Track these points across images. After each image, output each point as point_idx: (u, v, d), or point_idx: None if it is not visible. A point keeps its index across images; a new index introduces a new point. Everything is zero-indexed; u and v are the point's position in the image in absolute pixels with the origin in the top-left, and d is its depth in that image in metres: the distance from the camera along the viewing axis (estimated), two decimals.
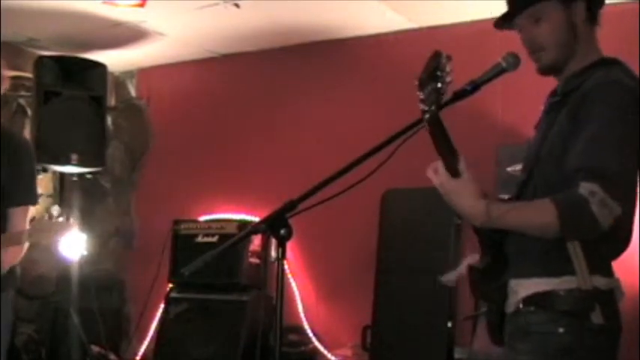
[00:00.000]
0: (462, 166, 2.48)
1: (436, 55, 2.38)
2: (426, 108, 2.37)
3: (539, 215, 2.45)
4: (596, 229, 2.38)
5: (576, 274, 2.48)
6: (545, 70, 2.71)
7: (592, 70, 2.61)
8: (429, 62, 2.40)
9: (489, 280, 2.71)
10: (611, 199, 2.36)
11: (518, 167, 4.69)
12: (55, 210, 3.89)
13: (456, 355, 5.21)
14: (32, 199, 4.04)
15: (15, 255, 3.88)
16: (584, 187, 2.36)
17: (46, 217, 3.86)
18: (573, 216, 2.38)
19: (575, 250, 2.48)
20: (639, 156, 2.51)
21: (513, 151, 5.01)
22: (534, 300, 2.56)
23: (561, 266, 2.50)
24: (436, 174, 2.53)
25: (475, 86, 2.55)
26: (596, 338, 2.49)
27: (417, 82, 2.41)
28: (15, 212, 3.91)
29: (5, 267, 3.87)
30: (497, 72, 2.60)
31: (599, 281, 2.51)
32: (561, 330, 2.49)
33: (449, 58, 2.37)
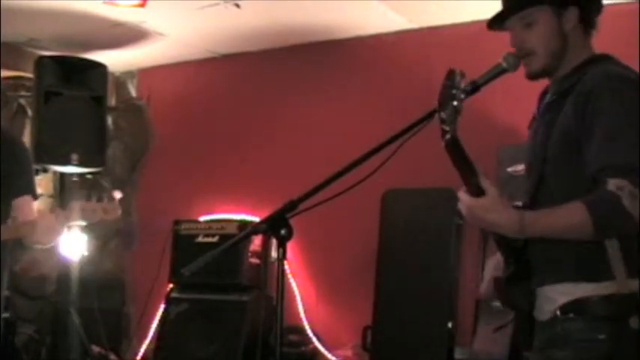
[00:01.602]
0: (484, 182, 2.43)
1: (450, 74, 2.36)
2: (447, 128, 2.35)
3: (571, 218, 2.41)
4: (632, 222, 2.36)
5: (615, 279, 2.47)
6: (533, 76, 2.70)
7: (587, 67, 2.61)
8: (445, 81, 2.37)
9: (516, 288, 2.69)
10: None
11: (519, 167, 4.70)
12: (118, 194, 3.92)
13: (457, 356, 5.21)
14: (32, 190, 4.15)
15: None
16: (612, 184, 2.35)
17: (106, 199, 3.92)
18: (606, 213, 2.36)
19: (614, 253, 2.47)
20: None
21: (514, 151, 5.01)
22: (573, 307, 2.53)
23: (598, 271, 2.49)
24: (461, 202, 2.49)
25: (476, 87, 2.55)
26: (633, 343, 2.48)
27: (437, 104, 2.39)
28: (19, 203, 4.04)
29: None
30: (498, 72, 2.60)
31: (635, 284, 2.49)
32: (602, 337, 2.46)
33: (462, 74, 2.36)
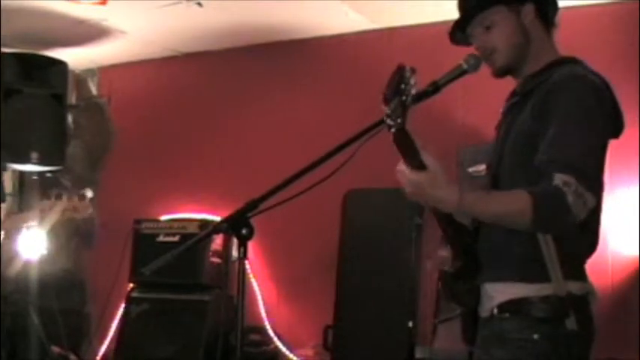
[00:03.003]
0: (427, 159, 2.39)
1: (400, 69, 2.35)
2: (392, 122, 2.34)
3: (513, 204, 2.40)
4: (570, 220, 2.36)
5: (552, 281, 2.48)
6: (499, 73, 2.71)
7: (552, 69, 2.62)
8: (392, 76, 2.36)
9: (462, 284, 2.69)
10: (585, 190, 2.34)
11: (480, 167, 4.73)
12: (89, 192, 3.93)
13: (417, 355, 5.23)
14: (2, 196, 4.14)
15: None
16: (559, 178, 2.34)
17: (76, 198, 3.92)
18: (548, 206, 2.35)
19: (550, 255, 2.47)
20: (604, 150, 2.53)
21: (475, 152, 5.03)
22: (509, 307, 2.54)
23: (537, 272, 2.49)
24: (402, 173, 2.44)
25: (436, 87, 2.56)
26: (570, 344, 2.49)
27: (382, 98, 2.38)
28: None
29: None
30: (459, 73, 2.61)
31: (574, 286, 2.50)
32: (536, 337, 2.47)
33: (413, 70, 2.34)
